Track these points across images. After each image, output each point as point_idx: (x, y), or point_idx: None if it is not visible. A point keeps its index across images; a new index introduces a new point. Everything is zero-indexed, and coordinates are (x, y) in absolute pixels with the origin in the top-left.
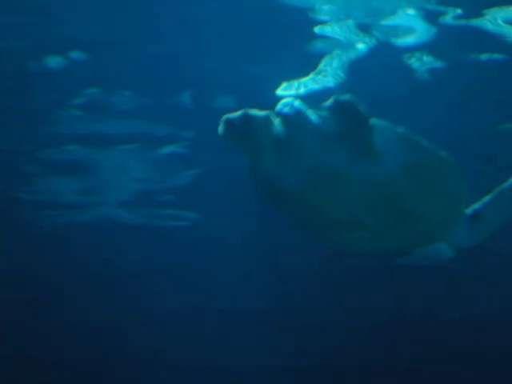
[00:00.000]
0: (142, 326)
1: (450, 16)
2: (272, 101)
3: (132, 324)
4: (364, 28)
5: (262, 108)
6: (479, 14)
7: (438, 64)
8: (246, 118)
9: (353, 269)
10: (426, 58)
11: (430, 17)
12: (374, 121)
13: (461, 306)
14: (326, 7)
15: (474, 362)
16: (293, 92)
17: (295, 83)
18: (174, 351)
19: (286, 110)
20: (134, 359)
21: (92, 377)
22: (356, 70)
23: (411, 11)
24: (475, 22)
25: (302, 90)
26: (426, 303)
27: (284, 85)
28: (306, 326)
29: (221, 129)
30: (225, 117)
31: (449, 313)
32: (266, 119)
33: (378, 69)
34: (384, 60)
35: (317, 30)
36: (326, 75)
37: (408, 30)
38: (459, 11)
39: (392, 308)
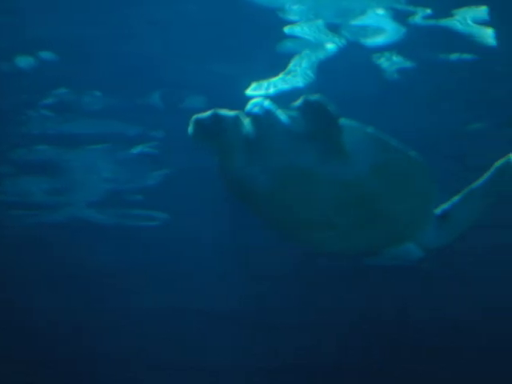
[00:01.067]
0: (113, 326)
1: (420, 16)
2: (242, 101)
3: (103, 324)
4: (333, 28)
5: (231, 108)
6: (449, 14)
7: (408, 64)
8: (216, 117)
9: (325, 269)
10: (395, 58)
11: (400, 17)
12: (343, 121)
13: (432, 306)
14: (295, 7)
15: (446, 362)
16: (262, 92)
17: (265, 83)
18: (147, 351)
19: (256, 110)
20: (106, 359)
21: (68, 377)
22: (325, 69)
23: (380, 11)
24: (444, 21)
25: (271, 90)
26: (399, 303)
27: (254, 85)
28: (279, 326)
29: (190, 129)
30: (194, 117)
31: (421, 313)
32: (236, 119)
33: (348, 69)
34: (353, 60)
35: (286, 30)
36: (296, 75)
37: (377, 30)
38: (429, 11)
39: (365, 308)
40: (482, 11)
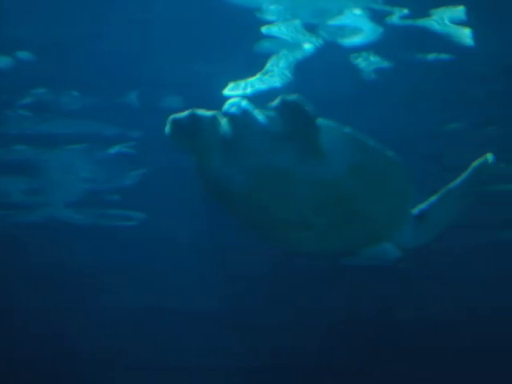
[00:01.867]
0: (91, 326)
1: (397, 16)
2: (219, 101)
3: (81, 324)
4: (311, 28)
5: (209, 108)
6: (426, 14)
7: (385, 64)
8: (193, 117)
9: (303, 269)
10: (372, 58)
11: (377, 17)
12: (320, 121)
13: (410, 306)
14: (272, 7)
15: (424, 361)
16: (240, 92)
17: (242, 83)
18: (125, 351)
19: (233, 109)
20: (84, 359)
21: (46, 377)
22: (303, 70)
23: (358, 11)
24: (422, 21)
25: (248, 90)
26: (376, 303)
27: (231, 85)
28: (257, 326)
29: (168, 129)
30: (172, 117)
31: (399, 312)
32: (213, 119)
33: (325, 69)
34: (331, 60)
35: (264, 30)
36: (273, 75)
37: (355, 30)
38: (406, 11)
39: (343, 308)
40: (460, 11)
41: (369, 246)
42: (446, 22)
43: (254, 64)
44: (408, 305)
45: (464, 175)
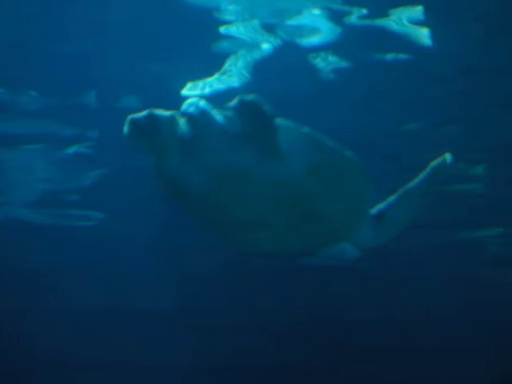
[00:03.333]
0: (50, 327)
1: (355, 16)
2: (177, 101)
3: (39, 325)
4: (269, 28)
5: (167, 108)
6: (384, 14)
7: (343, 64)
8: (151, 117)
9: (262, 269)
10: (331, 58)
11: (335, 17)
12: (279, 121)
13: (369, 306)
14: (231, 7)
15: (386, 361)
16: (198, 92)
17: (200, 83)
18: (83, 351)
19: (191, 110)
20: (43, 360)
21: (3, 378)
22: (261, 70)
23: (316, 11)
24: (380, 21)
25: (207, 90)
26: (335, 303)
27: (189, 85)
28: (216, 326)
29: (126, 129)
30: (130, 117)
31: (358, 312)
32: (171, 119)
33: (283, 69)
34: (289, 60)
35: (222, 29)
36: (231, 75)
37: (313, 30)
38: (364, 11)
39: (303, 308)
40: (418, 11)
41: (327, 246)
42: (405, 21)
43: (212, 64)
44: (366, 305)
45: (422, 175)
